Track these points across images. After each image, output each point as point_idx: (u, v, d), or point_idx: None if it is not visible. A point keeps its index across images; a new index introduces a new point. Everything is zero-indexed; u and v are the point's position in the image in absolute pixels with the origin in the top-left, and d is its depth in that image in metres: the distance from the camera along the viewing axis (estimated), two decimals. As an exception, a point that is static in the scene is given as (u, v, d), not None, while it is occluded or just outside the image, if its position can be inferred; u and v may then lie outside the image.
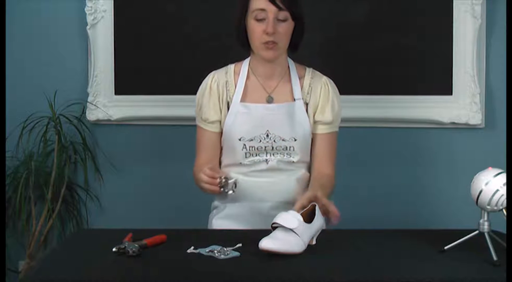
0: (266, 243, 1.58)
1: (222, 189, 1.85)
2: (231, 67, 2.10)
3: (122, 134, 2.97)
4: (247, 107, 2.03)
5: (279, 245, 1.58)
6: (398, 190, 2.83)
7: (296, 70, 2.08)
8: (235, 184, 1.86)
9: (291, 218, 1.64)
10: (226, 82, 2.07)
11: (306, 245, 1.65)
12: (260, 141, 2.00)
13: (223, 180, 1.84)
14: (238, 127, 2.01)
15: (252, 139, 2.00)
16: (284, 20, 1.96)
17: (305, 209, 1.76)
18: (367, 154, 2.84)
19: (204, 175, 1.86)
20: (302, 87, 2.06)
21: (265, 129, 2.00)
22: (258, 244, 1.62)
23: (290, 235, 1.61)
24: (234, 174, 2.04)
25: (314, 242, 1.70)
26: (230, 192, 1.87)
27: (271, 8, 1.93)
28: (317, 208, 1.76)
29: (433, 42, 2.75)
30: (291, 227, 1.62)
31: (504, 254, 1.53)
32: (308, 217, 1.71)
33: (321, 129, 2.05)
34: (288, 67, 2.08)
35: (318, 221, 1.73)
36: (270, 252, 1.57)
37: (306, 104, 2.05)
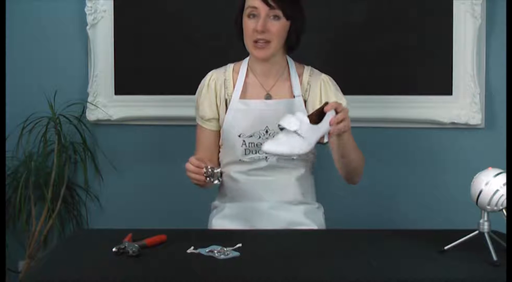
0: (268, 146, 1.56)
1: (208, 179, 1.85)
2: (231, 66, 2.11)
3: (122, 134, 2.97)
4: (247, 104, 2.03)
5: (281, 148, 1.57)
6: (398, 190, 2.84)
7: (295, 68, 2.08)
8: (220, 173, 1.86)
9: (294, 120, 1.62)
10: (225, 80, 2.07)
11: (313, 145, 1.63)
12: (260, 137, 2.00)
13: (209, 170, 1.84)
14: (238, 124, 2.01)
15: (251, 136, 2.00)
16: (276, 19, 1.96)
17: (316, 109, 1.73)
18: (367, 154, 2.81)
19: (190, 164, 1.86)
20: (301, 84, 2.06)
21: (264, 126, 2.00)
22: (258, 244, 1.63)
23: (294, 137, 1.60)
24: (234, 173, 2.04)
25: (325, 140, 1.66)
26: (216, 181, 1.86)
27: (262, 6, 1.94)
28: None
29: (433, 42, 2.75)
30: (292, 129, 1.60)
31: (504, 254, 1.53)
32: (319, 117, 1.69)
33: None
34: (287, 65, 2.08)
35: (326, 121, 1.70)
36: (273, 154, 1.55)
37: (305, 101, 2.05)
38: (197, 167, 1.85)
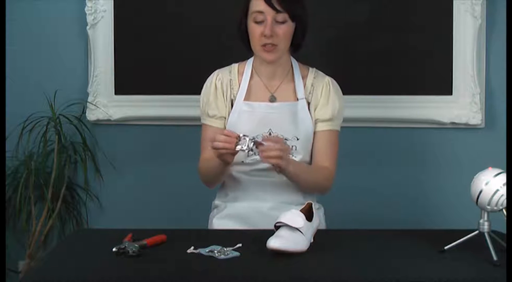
0: (274, 243, 1.59)
1: (239, 147, 1.78)
2: (235, 66, 2.10)
3: (122, 134, 2.97)
4: (251, 106, 2.03)
5: (287, 244, 1.60)
6: (398, 190, 2.83)
7: (299, 70, 2.08)
8: (253, 141, 1.78)
9: (296, 217, 1.66)
10: (230, 80, 2.07)
11: (309, 243, 1.66)
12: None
13: (242, 136, 1.78)
14: (241, 126, 2.00)
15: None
16: (283, 22, 1.95)
17: (302, 207, 1.77)
18: (367, 154, 2.84)
19: (219, 135, 1.80)
20: (304, 86, 2.06)
21: (267, 128, 2.00)
22: (258, 244, 1.63)
23: (296, 234, 1.63)
24: (236, 173, 2.04)
25: (311, 240, 1.70)
26: (246, 149, 1.78)
27: (269, 11, 1.93)
28: (313, 206, 1.78)
29: (433, 42, 2.75)
30: (297, 227, 1.63)
31: (504, 254, 1.53)
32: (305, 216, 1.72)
33: (320, 127, 2.05)
34: (292, 67, 2.08)
35: (316, 220, 1.75)
36: (278, 251, 1.58)
37: (308, 103, 2.05)
38: (227, 136, 1.79)
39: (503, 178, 1.57)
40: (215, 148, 1.81)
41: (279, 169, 1.87)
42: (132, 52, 2.90)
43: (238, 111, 2.03)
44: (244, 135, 1.80)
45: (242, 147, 1.79)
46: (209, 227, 2.12)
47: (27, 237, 2.86)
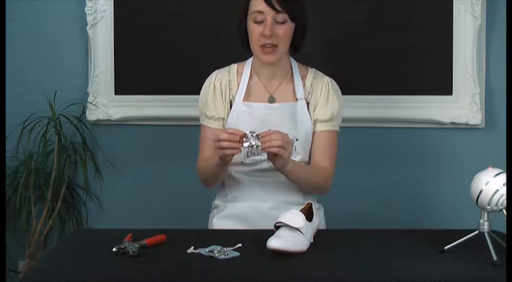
0: (274, 243, 1.59)
1: (246, 144, 1.78)
2: (234, 67, 2.10)
3: (122, 134, 2.97)
4: (250, 107, 2.03)
5: (287, 244, 1.60)
6: (398, 190, 2.83)
7: (298, 70, 2.08)
8: (257, 136, 1.79)
9: (296, 217, 1.66)
10: (229, 81, 2.07)
11: (309, 243, 1.66)
12: None
13: (248, 133, 1.79)
14: (241, 127, 1.99)
15: None
16: (283, 22, 1.95)
17: (302, 207, 1.77)
18: (367, 154, 2.84)
19: (224, 134, 1.79)
20: (304, 86, 2.06)
21: (267, 129, 1.99)
22: (258, 244, 1.63)
23: (296, 234, 1.63)
24: (236, 173, 2.04)
25: (312, 240, 1.71)
26: (254, 144, 1.79)
27: (269, 11, 1.93)
28: (313, 206, 1.78)
29: (433, 42, 2.75)
30: (297, 227, 1.64)
31: (504, 254, 1.53)
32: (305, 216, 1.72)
33: (319, 127, 2.04)
34: (291, 67, 2.08)
35: (316, 220, 1.75)
36: (278, 251, 1.59)
37: (308, 104, 2.05)
38: (232, 134, 1.79)
39: (503, 178, 1.57)
40: (221, 147, 1.80)
41: (279, 161, 1.83)
42: (132, 52, 2.90)
43: (237, 112, 2.03)
44: (250, 132, 1.80)
45: (250, 143, 1.79)
46: (209, 227, 2.12)
47: (27, 237, 2.86)
